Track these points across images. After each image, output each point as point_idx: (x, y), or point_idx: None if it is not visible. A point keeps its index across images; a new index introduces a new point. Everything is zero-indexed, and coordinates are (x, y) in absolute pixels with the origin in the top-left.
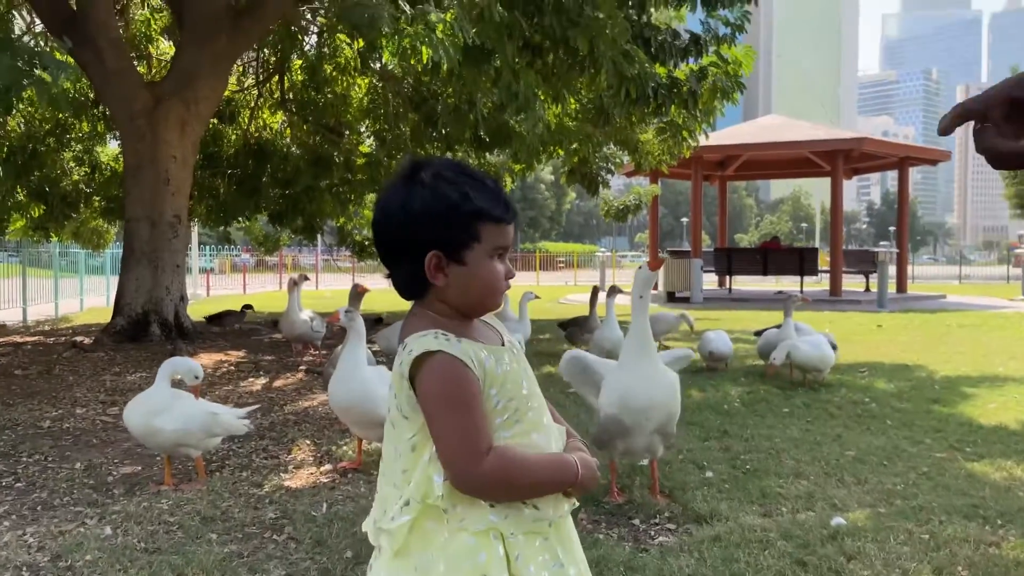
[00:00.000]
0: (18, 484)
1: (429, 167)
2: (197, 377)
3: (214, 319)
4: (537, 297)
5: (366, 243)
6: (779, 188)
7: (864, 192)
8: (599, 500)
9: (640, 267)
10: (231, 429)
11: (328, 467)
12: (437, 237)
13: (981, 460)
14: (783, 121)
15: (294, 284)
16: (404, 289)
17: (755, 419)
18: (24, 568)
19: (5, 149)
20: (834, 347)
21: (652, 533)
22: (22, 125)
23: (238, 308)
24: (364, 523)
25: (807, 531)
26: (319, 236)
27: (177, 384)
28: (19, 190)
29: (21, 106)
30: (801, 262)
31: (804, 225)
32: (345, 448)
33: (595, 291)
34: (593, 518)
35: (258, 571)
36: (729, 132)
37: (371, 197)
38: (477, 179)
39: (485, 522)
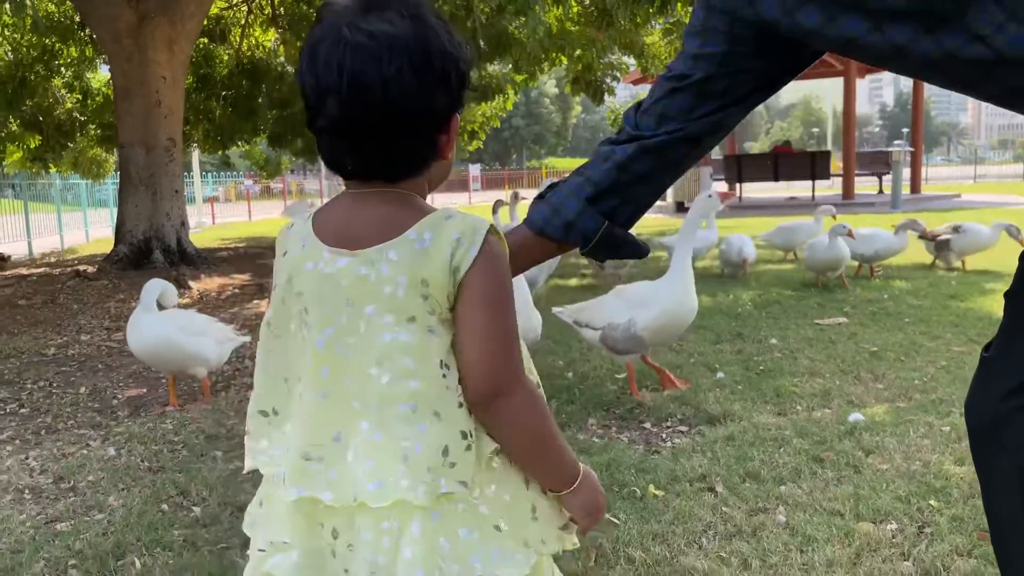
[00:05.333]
0: (22, 410)
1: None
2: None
3: None
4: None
5: None
6: (789, 93)
7: (876, 94)
8: (609, 405)
9: (710, 195)
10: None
11: None
12: (463, 96)
13: None
14: None
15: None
16: (404, 164)
17: (768, 321)
18: (26, 490)
19: None
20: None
21: (664, 436)
22: (9, 53)
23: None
24: (404, 490)
25: (823, 428)
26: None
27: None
28: (12, 120)
29: (7, 32)
30: (813, 166)
31: (815, 130)
32: None
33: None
34: (603, 423)
35: None
36: None
37: None
38: None
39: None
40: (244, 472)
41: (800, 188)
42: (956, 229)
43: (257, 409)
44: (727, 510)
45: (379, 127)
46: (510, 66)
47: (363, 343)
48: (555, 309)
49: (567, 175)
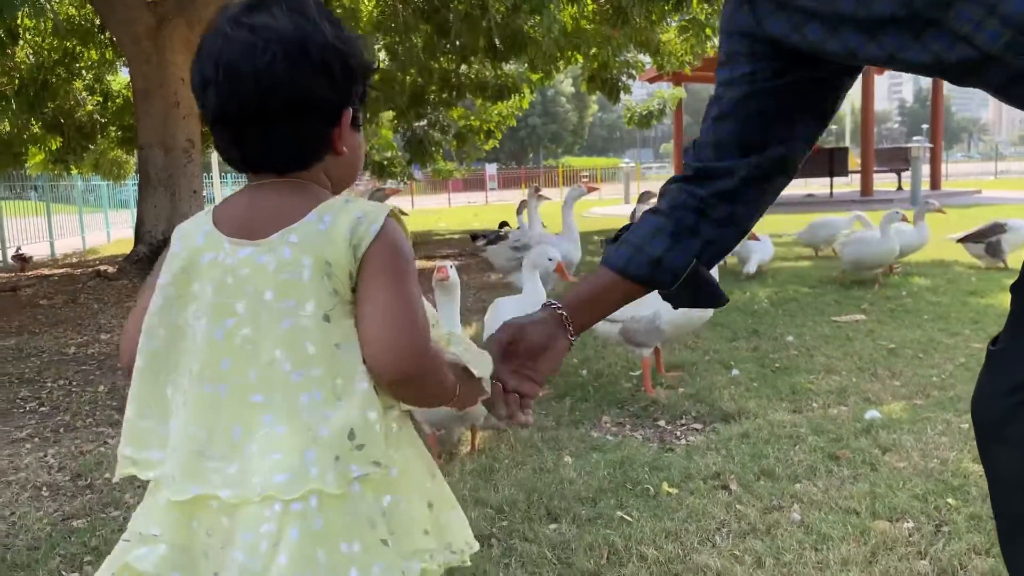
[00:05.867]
0: (42, 408)
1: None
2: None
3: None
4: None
5: (385, 163)
6: None
7: (896, 90)
8: (623, 403)
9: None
10: None
11: None
12: (356, 91)
13: None
14: None
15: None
16: (288, 155)
17: (785, 318)
18: (44, 488)
19: (16, 81)
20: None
21: (678, 433)
22: (31, 56)
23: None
24: (315, 479)
25: (840, 425)
26: None
27: None
28: (34, 122)
29: (28, 36)
30: (831, 163)
31: (834, 127)
32: None
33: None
34: (617, 420)
35: None
36: None
37: (387, 115)
38: None
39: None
40: (115, 480)
41: (817, 185)
42: (1002, 228)
43: (136, 411)
44: (741, 508)
45: (256, 116)
46: (526, 65)
47: (263, 331)
48: None
49: (640, 217)
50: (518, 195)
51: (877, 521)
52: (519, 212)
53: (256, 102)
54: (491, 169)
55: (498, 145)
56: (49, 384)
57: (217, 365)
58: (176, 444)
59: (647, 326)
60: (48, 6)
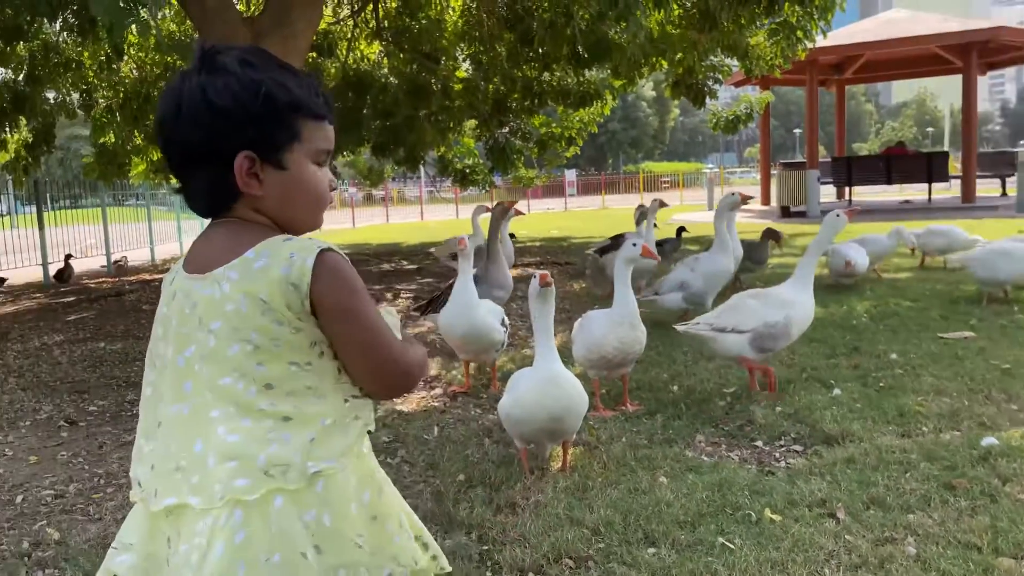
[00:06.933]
0: None
1: (230, 52)
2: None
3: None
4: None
5: (467, 171)
6: (901, 91)
7: (997, 90)
8: (717, 421)
9: (838, 215)
10: None
11: (438, 391)
12: (250, 135)
13: None
14: (908, 15)
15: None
16: (205, 202)
17: (887, 334)
18: None
19: (121, 95)
20: None
21: (777, 455)
22: (134, 71)
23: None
24: (275, 479)
25: (953, 452)
26: (421, 167)
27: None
28: (136, 134)
29: (132, 52)
30: (930, 168)
31: (930, 130)
32: (454, 372)
33: (771, 234)
34: (712, 440)
35: None
36: (846, 31)
37: (470, 124)
38: (288, 68)
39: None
40: (132, 501)
41: (914, 191)
42: None
43: (145, 438)
44: (851, 539)
45: (172, 166)
46: (608, 72)
47: (215, 356)
48: (680, 327)
49: None
50: (597, 201)
51: (1001, 558)
52: (637, 222)
53: (166, 155)
54: (570, 175)
55: (579, 152)
56: None
57: (181, 387)
58: (156, 461)
59: (782, 330)
60: (152, 24)
